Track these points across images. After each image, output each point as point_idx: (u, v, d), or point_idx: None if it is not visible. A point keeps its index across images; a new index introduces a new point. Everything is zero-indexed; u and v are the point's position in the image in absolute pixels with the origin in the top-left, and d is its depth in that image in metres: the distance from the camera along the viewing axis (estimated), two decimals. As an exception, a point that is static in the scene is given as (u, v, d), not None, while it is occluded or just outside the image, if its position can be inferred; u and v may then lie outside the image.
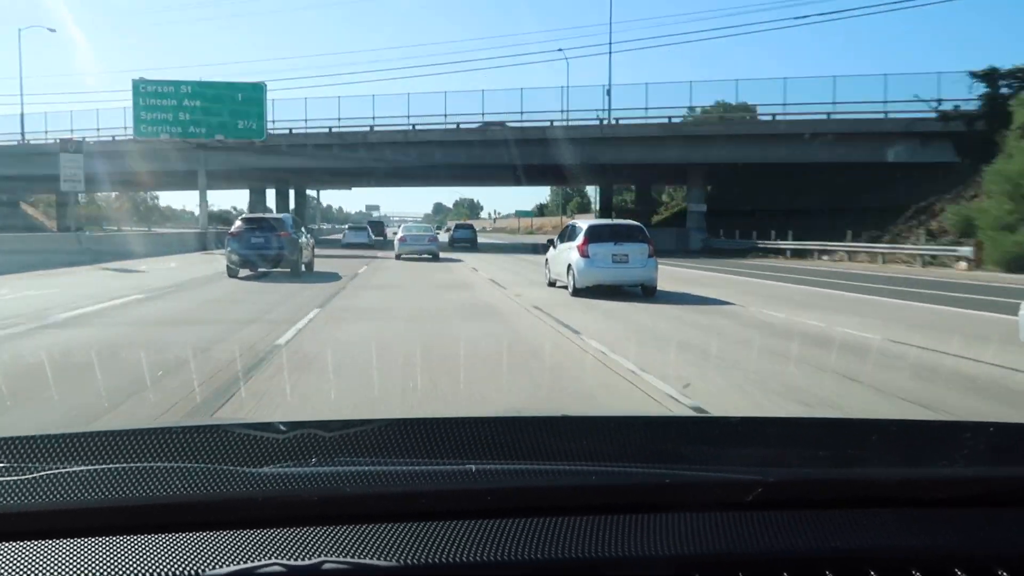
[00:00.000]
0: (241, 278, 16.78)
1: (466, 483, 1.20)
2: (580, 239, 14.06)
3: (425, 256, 26.65)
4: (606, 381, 6.23)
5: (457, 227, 46.37)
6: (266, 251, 17.40)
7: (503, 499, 1.19)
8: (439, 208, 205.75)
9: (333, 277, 17.78)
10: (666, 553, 1.10)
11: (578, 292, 13.78)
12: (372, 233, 45.04)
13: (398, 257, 26.48)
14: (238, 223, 18.43)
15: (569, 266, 14.21)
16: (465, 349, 7.26)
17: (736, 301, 13.24)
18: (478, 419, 1.44)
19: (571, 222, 16.67)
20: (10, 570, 1.01)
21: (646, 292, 14.00)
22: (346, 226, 44.03)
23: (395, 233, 32.99)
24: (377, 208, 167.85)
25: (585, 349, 7.76)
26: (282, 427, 1.29)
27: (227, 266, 17.39)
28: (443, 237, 42.76)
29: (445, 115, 37.69)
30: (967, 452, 1.38)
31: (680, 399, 5.41)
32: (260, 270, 17.80)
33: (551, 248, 16.38)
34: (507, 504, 1.18)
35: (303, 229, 19.46)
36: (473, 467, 1.22)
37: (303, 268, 18.59)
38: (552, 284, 15.96)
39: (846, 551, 1.12)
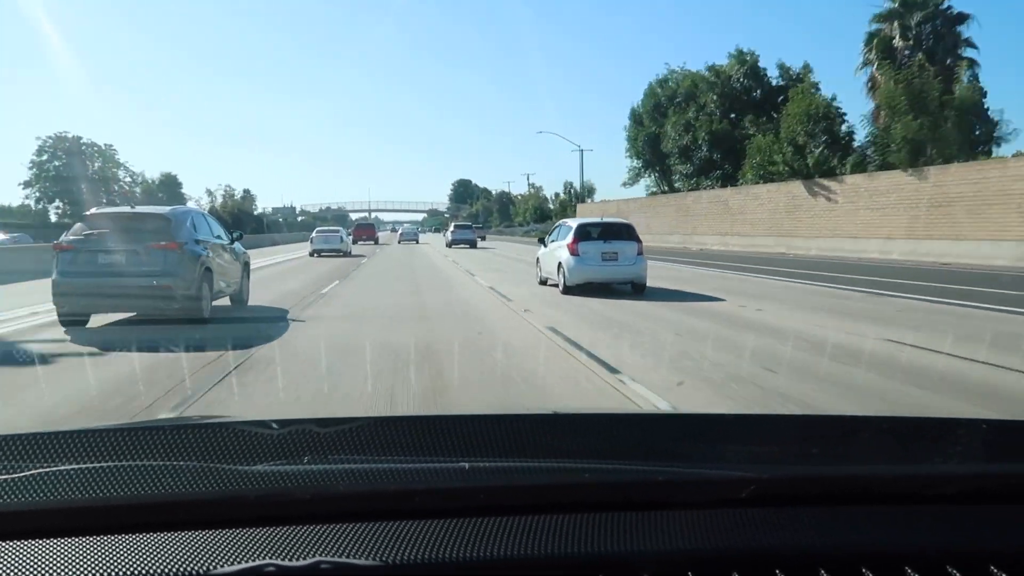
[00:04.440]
0: (91, 329, 9.50)
1: (459, 481, 1.22)
2: (570, 238, 14.46)
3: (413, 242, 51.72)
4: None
5: (456, 227, 49.33)
6: (130, 279, 9.47)
7: (496, 497, 1.20)
8: (463, 190, 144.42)
9: (273, 322, 10.21)
10: (659, 550, 1.11)
11: (568, 290, 14.09)
12: (350, 237, 40.54)
13: (399, 242, 52.24)
14: (78, 226, 10.10)
15: (559, 264, 14.58)
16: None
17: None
18: (471, 416, 1.46)
19: (561, 220, 16.91)
20: None
21: (636, 289, 14.33)
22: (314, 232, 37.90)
23: (394, 230, 68.97)
24: (341, 211, 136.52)
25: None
26: (275, 424, 1.30)
27: (57, 309, 9.58)
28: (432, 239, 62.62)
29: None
30: (960, 449, 1.41)
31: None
32: (130, 314, 10.26)
33: (541, 246, 16.68)
34: (500, 502, 1.19)
35: (225, 235, 11.94)
36: (466, 465, 1.23)
37: (226, 299, 11.65)
38: (543, 282, 16.24)
39: (839, 548, 1.14)
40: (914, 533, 1.18)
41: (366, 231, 54.13)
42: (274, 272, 17.65)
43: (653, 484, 1.23)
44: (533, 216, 74.94)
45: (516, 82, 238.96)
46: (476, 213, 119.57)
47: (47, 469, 1.15)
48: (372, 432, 1.33)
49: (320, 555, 1.05)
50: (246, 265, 12.93)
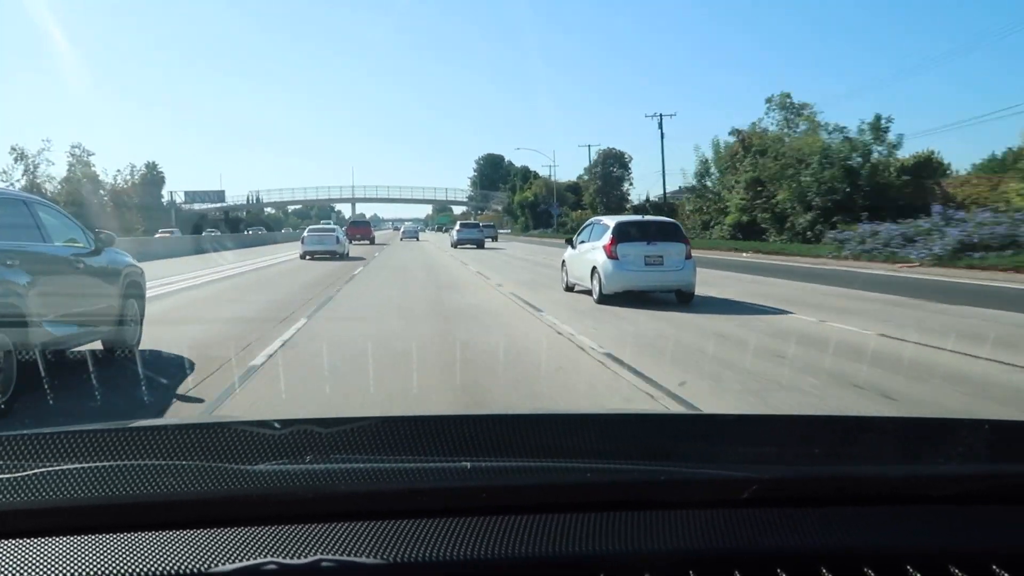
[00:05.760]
0: None
1: (461, 480, 1.25)
2: (607, 238, 13.07)
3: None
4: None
5: (462, 226, 46.90)
6: None
7: (498, 496, 1.24)
8: (491, 171, 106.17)
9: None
10: (661, 550, 1.14)
11: (605, 299, 12.83)
12: (346, 236, 35.39)
13: (401, 239, 57.69)
14: None
15: (594, 269, 13.24)
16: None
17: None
18: (474, 416, 1.53)
19: (594, 218, 15.67)
20: (1, 568, 1.07)
21: (682, 299, 12.97)
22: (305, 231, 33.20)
23: (396, 228, 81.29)
24: (328, 205, 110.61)
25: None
26: (277, 424, 1.34)
27: None
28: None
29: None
30: (962, 449, 1.44)
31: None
32: None
33: (568, 248, 15.45)
34: (502, 501, 1.23)
35: (86, 238, 7.50)
36: (468, 464, 1.27)
37: (98, 343, 7.43)
38: (570, 289, 15.05)
39: (841, 548, 1.17)
40: (916, 533, 1.22)
41: (361, 230, 50.31)
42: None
43: (655, 484, 1.27)
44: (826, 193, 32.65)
45: (515, 67, 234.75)
46: (533, 201, 74.02)
47: (50, 468, 1.19)
48: (374, 432, 1.38)
49: (321, 553, 1.09)
50: (132, 287, 8.02)
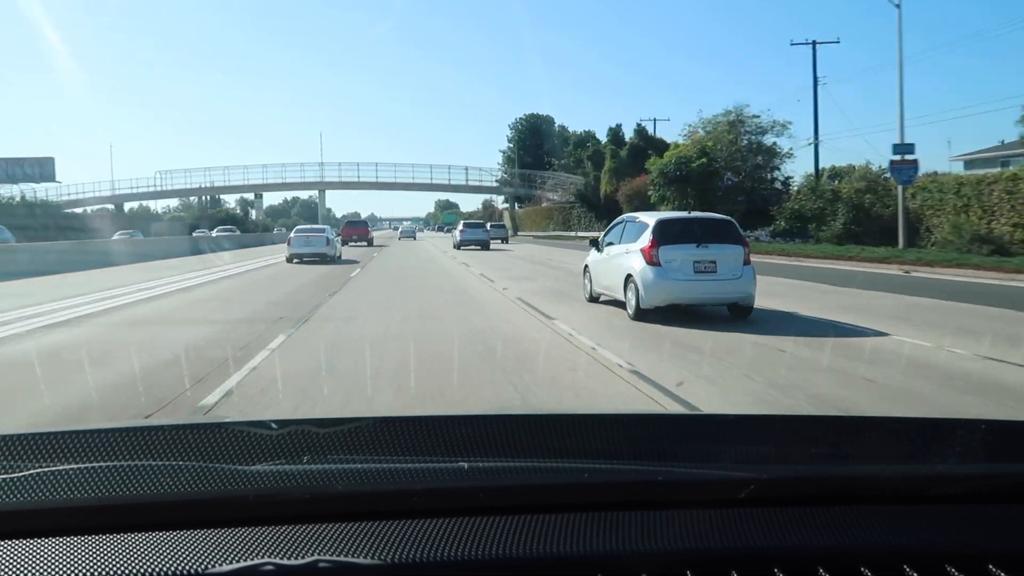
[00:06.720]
0: None
1: (458, 481, 1.28)
2: (646, 239, 10.90)
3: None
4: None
5: (466, 226, 43.43)
6: None
7: (495, 497, 1.26)
8: (534, 138, 74.96)
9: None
10: (658, 550, 1.17)
11: (642, 314, 10.65)
12: (338, 238, 32.17)
13: (399, 239, 60.22)
14: None
15: (628, 277, 11.06)
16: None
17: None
18: (470, 417, 1.55)
19: (627, 215, 13.43)
20: (1, 569, 1.09)
21: (737, 313, 10.88)
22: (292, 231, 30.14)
23: (395, 228, 74.24)
24: (311, 201, 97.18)
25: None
26: (273, 424, 1.37)
27: None
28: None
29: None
30: (960, 449, 1.46)
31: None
32: None
33: (593, 251, 13.26)
34: (499, 502, 1.25)
35: None
36: (465, 465, 1.29)
37: None
38: (595, 299, 12.88)
39: (839, 548, 1.19)
40: (913, 533, 1.24)
41: (357, 230, 47.89)
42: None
43: (652, 484, 1.29)
44: None
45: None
46: (707, 166, 34.15)
47: (46, 469, 1.21)
48: (371, 432, 1.40)
49: (319, 554, 1.11)
50: None
